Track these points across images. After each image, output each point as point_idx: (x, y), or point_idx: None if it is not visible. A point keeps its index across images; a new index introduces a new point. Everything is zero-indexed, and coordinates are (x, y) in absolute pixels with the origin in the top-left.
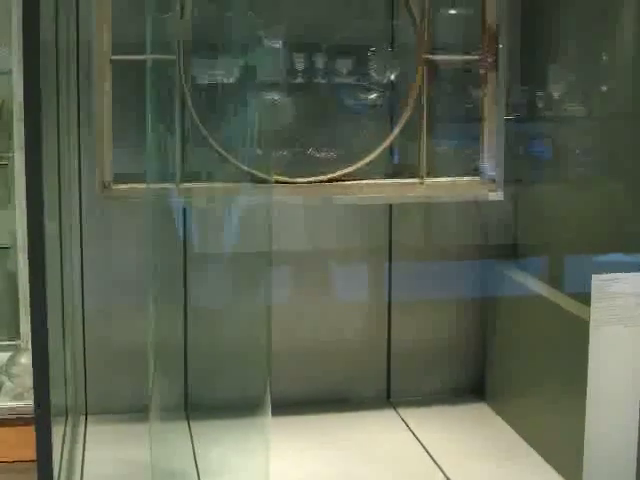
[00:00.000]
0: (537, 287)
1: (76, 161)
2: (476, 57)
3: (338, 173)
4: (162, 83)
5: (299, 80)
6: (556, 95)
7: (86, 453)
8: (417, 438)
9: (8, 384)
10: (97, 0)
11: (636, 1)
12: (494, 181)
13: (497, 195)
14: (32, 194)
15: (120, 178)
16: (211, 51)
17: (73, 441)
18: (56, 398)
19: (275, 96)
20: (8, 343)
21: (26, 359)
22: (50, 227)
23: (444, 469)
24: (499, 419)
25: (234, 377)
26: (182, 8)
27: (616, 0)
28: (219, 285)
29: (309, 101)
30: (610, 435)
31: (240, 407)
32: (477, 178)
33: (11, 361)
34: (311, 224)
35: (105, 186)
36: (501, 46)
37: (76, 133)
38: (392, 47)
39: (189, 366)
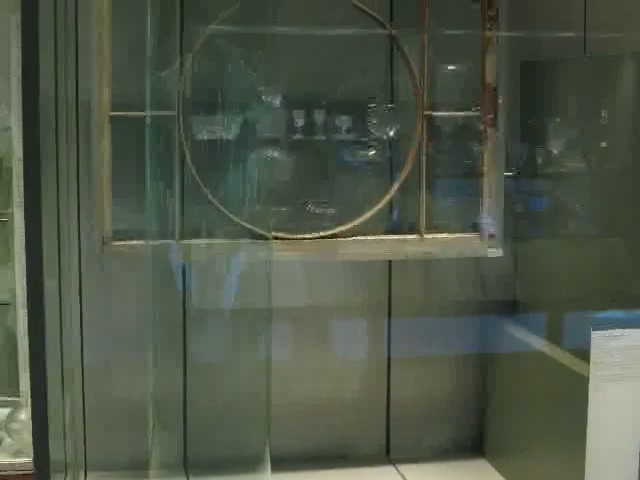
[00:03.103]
0: (536, 343)
1: (75, 217)
2: (476, 113)
3: (337, 229)
4: (161, 139)
5: (298, 136)
6: (555, 151)
7: None
8: None
9: (7, 440)
10: (97, 56)
11: (635, 58)
12: (493, 237)
13: (496, 251)
14: (31, 251)
15: (119, 234)
16: (210, 107)
17: None
18: (55, 454)
19: (274, 152)
20: (7, 399)
21: (25, 415)
22: (49, 283)
23: None
24: (498, 475)
25: (234, 433)
26: (182, 65)
27: (615, 57)
28: (219, 341)
29: (308, 157)
30: None
31: (239, 463)
32: (476, 234)
33: (10, 417)
34: (310, 280)
35: (104, 242)
36: (500, 102)
37: (75, 189)
38: (391, 103)
39: (189, 422)
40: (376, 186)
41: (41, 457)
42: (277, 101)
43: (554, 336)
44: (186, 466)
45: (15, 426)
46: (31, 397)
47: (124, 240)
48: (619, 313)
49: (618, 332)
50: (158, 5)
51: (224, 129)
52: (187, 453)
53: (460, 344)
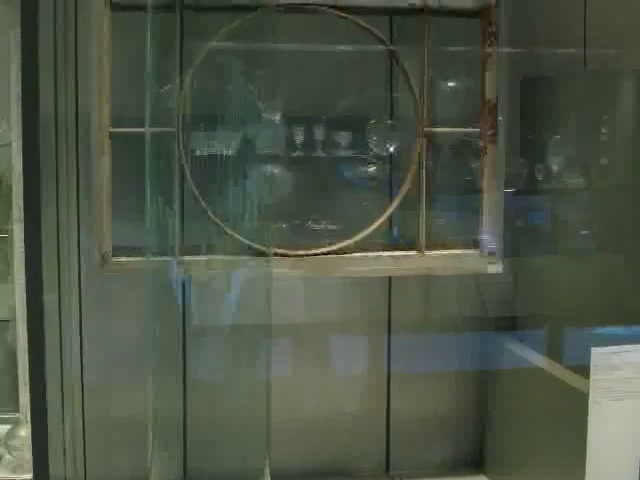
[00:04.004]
0: (536, 359)
1: (75, 233)
2: (476, 129)
3: (337, 246)
4: (161, 155)
5: (298, 153)
6: (555, 168)
7: None
8: None
9: (7, 457)
10: (97, 73)
11: (635, 75)
12: (493, 254)
13: (496, 267)
14: (31, 267)
15: (119, 250)
16: (210, 124)
17: None
18: (55, 471)
19: (274, 169)
20: (7, 416)
21: (25, 432)
22: (49, 300)
23: None
24: None
25: (233, 450)
26: (181, 81)
27: (615, 73)
28: (219, 358)
29: (308, 173)
30: None
31: (240, 479)
32: (476, 250)
33: (10, 434)
34: (310, 296)
35: (104, 259)
36: (500, 118)
37: (75, 205)
38: (391, 119)
39: (188, 438)
40: (376, 202)
41: (41, 474)
42: (277, 117)
43: (554, 352)
44: None
45: (15, 443)
46: (31, 414)
47: (124, 256)
48: (619, 329)
49: (618, 348)
50: (158, 21)
51: (224, 145)
52: (187, 469)
53: (460, 360)
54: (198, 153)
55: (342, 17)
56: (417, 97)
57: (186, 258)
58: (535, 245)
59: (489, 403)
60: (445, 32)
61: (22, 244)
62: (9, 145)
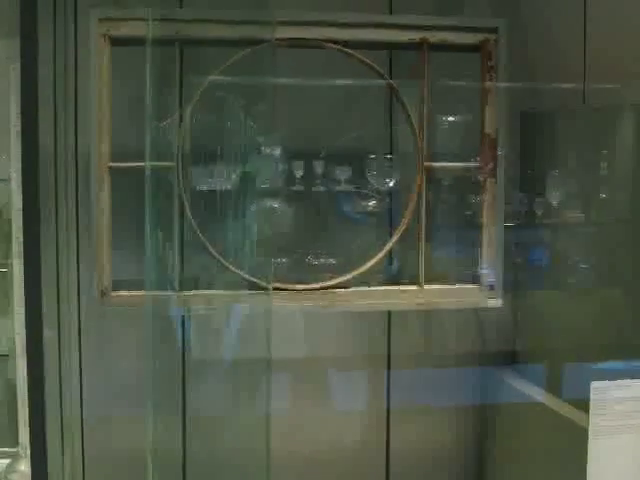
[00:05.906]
0: (536, 394)
1: (75, 267)
2: (475, 164)
3: (337, 280)
4: (161, 190)
5: (298, 187)
6: (555, 202)
7: None
8: None
9: None
10: (96, 107)
11: (634, 109)
12: (493, 288)
13: (496, 302)
14: (30, 302)
15: (119, 285)
16: (210, 158)
17: None
18: None
19: (274, 203)
20: (7, 450)
21: (25, 467)
22: (49, 335)
23: None
24: None
25: None
26: (181, 115)
27: (614, 107)
28: (218, 393)
29: (308, 208)
30: None
31: None
32: (476, 285)
33: (10, 468)
34: (310, 331)
35: (104, 293)
36: (500, 153)
37: (75, 239)
38: (391, 154)
39: (188, 475)
40: (376, 237)
41: None
42: (276, 151)
43: (554, 387)
44: None
45: (14, 477)
46: (30, 448)
47: (124, 291)
48: (618, 364)
49: (617, 383)
50: (158, 56)
51: (224, 180)
52: None
53: (460, 395)
54: (198, 187)
55: (341, 51)
56: (417, 131)
57: (186, 292)
58: (535, 279)
59: (489, 437)
60: (445, 66)
61: (22, 278)
62: (8, 180)
